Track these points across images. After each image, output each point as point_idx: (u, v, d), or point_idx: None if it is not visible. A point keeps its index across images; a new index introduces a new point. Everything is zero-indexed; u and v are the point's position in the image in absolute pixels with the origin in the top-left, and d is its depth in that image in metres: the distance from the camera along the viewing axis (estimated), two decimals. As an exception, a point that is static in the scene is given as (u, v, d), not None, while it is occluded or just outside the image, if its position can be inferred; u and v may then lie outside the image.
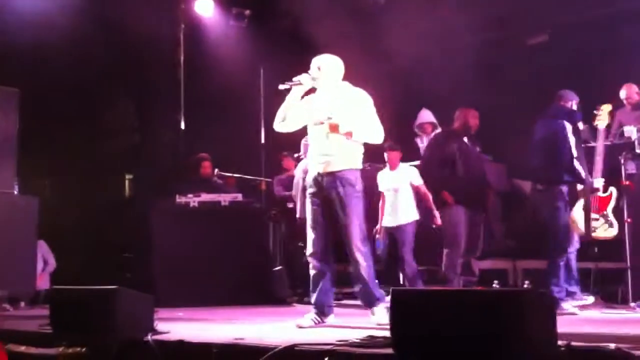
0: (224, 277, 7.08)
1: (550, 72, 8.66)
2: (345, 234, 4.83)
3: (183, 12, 9.64)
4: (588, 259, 6.32)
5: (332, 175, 4.87)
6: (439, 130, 8.05)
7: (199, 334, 4.23)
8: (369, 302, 4.91)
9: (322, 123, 4.91)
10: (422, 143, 8.44)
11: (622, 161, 6.45)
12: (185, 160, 8.94)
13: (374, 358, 3.22)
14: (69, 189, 10.56)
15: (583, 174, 6.02)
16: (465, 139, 6.63)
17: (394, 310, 3.18)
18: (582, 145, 6.16)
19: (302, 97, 5.04)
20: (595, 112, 6.19)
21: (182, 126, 9.63)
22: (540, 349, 2.85)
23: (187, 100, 9.61)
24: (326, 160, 4.89)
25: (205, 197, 7.45)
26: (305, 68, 4.98)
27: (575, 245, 6.14)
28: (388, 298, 3.85)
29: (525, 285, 7.21)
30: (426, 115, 8.13)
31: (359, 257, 4.82)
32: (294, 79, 4.93)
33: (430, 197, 6.92)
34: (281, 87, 4.96)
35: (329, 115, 4.88)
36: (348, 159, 4.90)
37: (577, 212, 6.16)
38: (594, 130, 6.32)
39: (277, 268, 7.73)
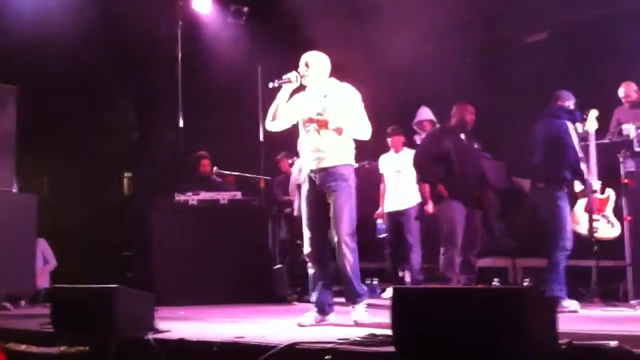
0: (224, 276, 7.08)
1: (550, 71, 8.66)
2: (334, 227, 4.84)
3: (181, 9, 9.61)
4: (588, 257, 6.33)
5: (325, 171, 4.88)
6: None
7: (200, 333, 4.23)
8: (352, 299, 4.91)
9: (311, 121, 4.92)
10: (421, 140, 8.48)
11: (621, 159, 6.46)
12: (184, 159, 8.93)
13: (375, 356, 3.23)
14: (68, 187, 10.55)
15: (586, 174, 6.05)
16: (462, 136, 6.63)
17: (395, 309, 3.18)
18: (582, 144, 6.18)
19: (292, 95, 5.04)
20: (584, 116, 6.22)
21: (181, 124, 9.61)
22: (541, 347, 2.85)
23: (186, 98, 9.59)
24: (318, 157, 4.91)
25: (205, 195, 7.45)
26: (302, 66, 4.97)
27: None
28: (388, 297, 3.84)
29: (525, 284, 7.22)
30: (425, 113, 8.13)
31: (346, 251, 4.81)
32: (283, 77, 4.95)
33: (427, 187, 6.96)
34: (270, 85, 4.97)
35: (318, 111, 4.89)
36: (340, 155, 4.91)
37: (578, 213, 6.18)
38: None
39: (277, 266, 7.73)
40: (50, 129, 10.02)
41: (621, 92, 7.67)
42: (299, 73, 4.96)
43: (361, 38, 7.93)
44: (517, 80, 8.86)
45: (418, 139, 7.81)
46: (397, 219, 7.57)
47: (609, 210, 6.26)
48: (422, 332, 3.07)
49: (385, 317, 3.24)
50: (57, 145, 10.22)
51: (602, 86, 7.81)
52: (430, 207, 7.02)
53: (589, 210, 6.18)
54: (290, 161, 8.26)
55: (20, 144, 7.51)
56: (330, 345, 3.35)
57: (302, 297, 7.09)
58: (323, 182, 4.89)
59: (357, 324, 4.71)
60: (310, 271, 4.98)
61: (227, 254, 7.19)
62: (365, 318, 4.82)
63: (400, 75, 8.79)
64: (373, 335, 3.58)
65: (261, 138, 9.04)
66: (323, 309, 4.89)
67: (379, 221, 7.88)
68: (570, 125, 6.07)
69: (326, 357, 3.26)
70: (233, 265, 7.15)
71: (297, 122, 5.09)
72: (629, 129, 6.94)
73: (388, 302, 3.26)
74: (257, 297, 6.98)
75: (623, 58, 7.98)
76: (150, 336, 3.96)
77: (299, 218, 5.27)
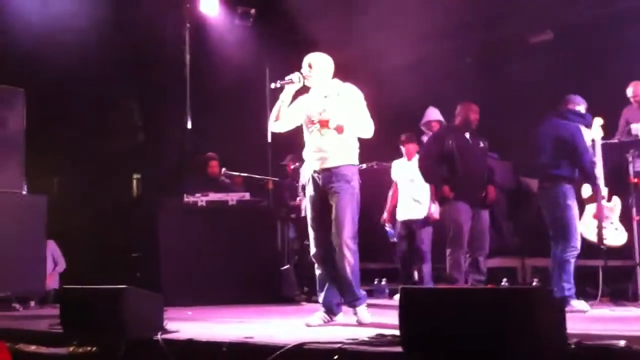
0: (232, 276, 7.09)
1: (556, 70, 8.64)
2: (335, 229, 4.81)
3: (188, 11, 9.64)
4: (597, 257, 6.31)
5: (329, 171, 4.87)
6: (445, 127, 8.06)
7: (208, 333, 4.24)
8: (351, 302, 4.88)
9: (313, 123, 4.92)
10: (430, 141, 8.47)
11: (630, 159, 6.44)
12: (193, 160, 8.95)
13: (383, 356, 3.23)
14: (77, 188, 10.60)
15: (598, 179, 6.07)
16: (467, 135, 6.62)
17: (403, 309, 3.18)
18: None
19: (297, 96, 5.05)
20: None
21: (189, 125, 9.64)
22: (550, 346, 2.84)
23: (193, 100, 9.61)
24: (321, 157, 4.90)
25: (213, 196, 7.47)
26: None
27: None
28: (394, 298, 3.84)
29: (534, 283, 7.20)
30: (433, 113, 8.12)
31: (347, 253, 4.79)
32: (285, 77, 4.95)
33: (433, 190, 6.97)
34: (273, 86, 4.97)
35: (320, 111, 4.89)
36: (343, 155, 4.89)
37: (587, 220, 6.18)
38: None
39: (285, 267, 7.74)
40: (59, 130, 10.06)
41: (630, 91, 7.65)
42: (301, 74, 4.95)
43: (365, 38, 7.93)
44: (524, 80, 8.83)
45: (426, 139, 7.80)
46: (410, 226, 7.56)
47: (615, 217, 6.27)
48: (430, 333, 3.07)
49: (393, 317, 3.24)
50: (66, 146, 10.26)
51: (609, 86, 7.79)
52: (435, 214, 7.05)
53: (598, 217, 6.19)
54: (292, 166, 8.26)
55: (30, 146, 7.54)
56: (338, 346, 3.35)
57: (310, 298, 7.09)
58: (326, 183, 4.88)
59: (361, 324, 4.71)
60: (317, 271, 4.98)
61: (235, 254, 7.20)
62: (368, 318, 4.80)
63: (404, 76, 8.78)
64: (381, 335, 3.58)
65: (269, 139, 9.06)
66: (331, 309, 4.89)
67: (388, 226, 7.86)
68: (583, 129, 6.08)
69: (334, 358, 3.26)
70: (241, 265, 7.16)
71: (302, 125, 5.08)
72: (638, 129, 6.92)
73: (396, 303, 3.26)
74: (265, 298, 6.99)
75: (629, 57, 7.95)
76: (159, 336, 3.97)
77: (306, 219, 5.27)
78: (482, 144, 6.69)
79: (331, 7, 8.23)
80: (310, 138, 4.99)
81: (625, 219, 6.29)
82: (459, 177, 6.46)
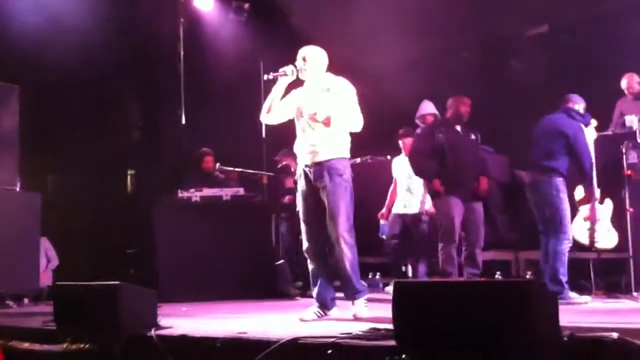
0: (226, 272, 7.08)
1: (552, 65, 8.65)
2: (331, 223, 4.79)
3: (182, 6, 9.61)
4: (590, 250, 6.34)
5: (320, 165, 4.85)
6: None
7: (202, 329, 4.23)
8: (351, 296, 4.87)
9: (302, 116, 4.92)
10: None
11: (624, 151, 6.46)
12: (187, 155, 8.94)
13: (376, 350, 3.22)
14: (71, 185, 10.57)
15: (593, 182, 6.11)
16: (458, 128, 6.62)
17: (396, 303, 3.18)
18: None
19: (290, 90, 5.03)
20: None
21: (183, 121, 9.62)
22: (543, 339, 2.85)
23: (188, 95, 9.59)
24: (312, 151, 4.88)
25: (207, 191, 7.45)
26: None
27: None
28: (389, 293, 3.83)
29: (528, 276, 7.21)
30: (427, 107, 8.11)
31: (344, 247, 4.77)
32: (279, 69, 4.93)
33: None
34: (266, 77, 4.96)
35: (311, 105, 4.88)
36: (335, 148, 4.87)
37: (579, 222, 6.21)
38: None
39: (279, 262, 7.74)
40: (53, 127, 10.03)
41: (624, 83, 7.66)
42: (295, 67, 4.94)
43: (361, 33, 7.93)
44: (519, 73, 8.85)
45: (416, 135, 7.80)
46: (406, 221, 7.56)
47: (607, 219, 6.30)
48: (424, 326, 3.07)
49: (387, 311, 3.24)
50: (60, 143, 10.22)
51: (602, 78, 7.80)
52: (425, 206, 7.10)
53: (591, 219, 6.22)
54: (281, 164, 8.28)
55: (24, 143, 7.52)
56: (332, 340, 3.35)
57: (306, 292, 7.09)
58: (317, 177, 4.86)
59: (356, 319, 4.70)
60: (310, 266, 4.97)
61: (230, 250, 7.19)
62: (365, 313, 4.80)
63: (400, 71, 8.79)
64: (375, 329, 3.58)
65: (263, 134, 9.04)
66: (325, 304, 4.89)
67: (382, 222, 7.86)
68: (585, 129, 6.11)
69: (328, 352, 3.26)
70: (236, 261, 7.15)
71: (294, 119, 5.06)
72: (632, 121, 6.93)
73: (390, 296, 3.26)
74: (260, 293, 6.97)
75: (624, 50, 7.96)
76: (153, 332, 3.96)
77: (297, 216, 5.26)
78: (473, 137, 6.69)
79: (327, 2, 8.22)
80: (301, 132, 4.98)
81: (618, 215, 6.32)
82: (449, 171, 6.46)
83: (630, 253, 6.31)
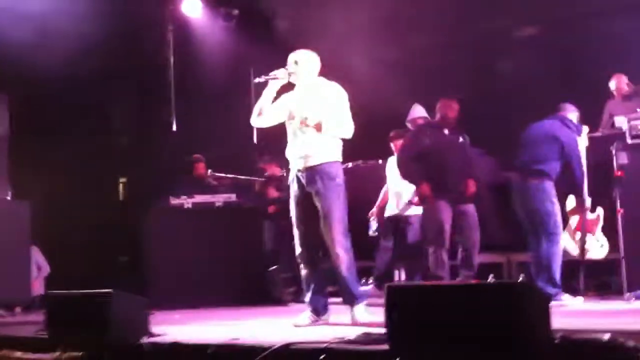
0: (219, 278, 7.08)
1: (542, 66, 8.67)
2: (326, 227, 4.77)
3: (171, 13, 9.61)
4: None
5: (312, 169, 4.82)
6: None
7: (195, 335, 4.22)
8: (349, 301, 4.83)
9: (293, 120, 4.90)
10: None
11: (614, 152, 6.48)
12: (179, 162, 8.93)
13: (370, 355, 3.22)
14: (62, 193, 10.53)
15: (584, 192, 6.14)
16: (446, 131, 6.63)
17: (388, 307, 3.18)
18: None
19: (281, 93, 5.01)
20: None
21: (174, 128, 9.61)
22: (535, 341, 2.85)
23: (178, 102, 9.59)
24: (305, 155, 4.86)
25: (199, 198, 7.45)
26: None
27: None
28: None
29: (520, 279, 7.22)
30: (418, 110, 8.12)
31: (340, 251, 4.74)
32: (270, 73, 4.91)
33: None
34: (257, 80, 4.93)
35: (302, 109, 4.86)
36: (326, 152, 4.85)
37: (570, 233, 6.25)
38: None
39: (272, 268, 7.73)
40: (43, 135, 10.01)
41: (612, 84, 7.69)
42: (287, 70, 4.92)
43: (348, 35, 7.93)
44: (509, 75, 8.87)
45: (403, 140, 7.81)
46: (397, 224, 7.57)
47: (598, 230, 6.33)
48: (416, 330, 3.07)
49: (380, 315, 3.24)
50: (51, 151, 10.20)
51: (593, 79, 7.83)
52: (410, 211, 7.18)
53: (582, 229, 6.25)
54: (268, 171, 8.30)
55: (14, 151, 7.50)
56: (325, 345, 3.35)
57: (299, 298, 7.08)
58: (310, 181, 4.83)
59: (351, 324, 4.68)
60: (303, 272, 4.95)
61: (222, 256, 7.19)
62: (366, 318, 4.71)
63: (389, 73, 8.79)
64: (367, 334, 3.58)
65: (255, 140, 9.05)
66: (317, 310, 4.87)
67: (373, 220, 7.87)
68: (578, 139, 6.14)
69: (321, 357, 3.25)
70: (228, 267, 7.15)
71: (285, 123, 5.05)
72: (621, 122, 6.96)
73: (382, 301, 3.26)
74: (253, 299, 6.97)
75: (613, 51, 8.00)
76: (146, 340, 3.95)
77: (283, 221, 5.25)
78: (461, 139, 6.69)
79: (313, 4, 8.22)
80: (293, 136, 4.96)
81: (609, 216, 6.35)
82: (437, 174, 6.46)
83: (622, 254, 6.33)
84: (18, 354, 4.26)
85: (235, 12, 9.77)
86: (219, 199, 7.50)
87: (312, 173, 4.82)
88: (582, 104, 6.55)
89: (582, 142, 6.30)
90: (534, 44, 9.19)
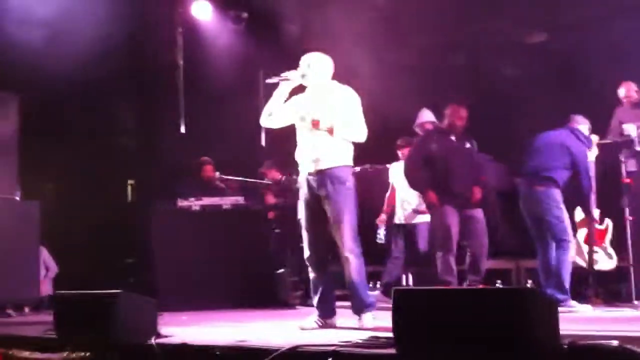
0: (226, 281, 7.09)
1: (550, 71, 8.66)
2: (336, 233, 4.75)
3: (181, 15, 9.65)
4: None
5: (322, 173, 4.79)
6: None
7: (202, 337, 4.23)
8: (358, 309, 4.78)
9: (304, 122, 4.87)
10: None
11: (623, 159, 6.48)
12: (187, 165, 8.95)
13: (377, 358, 3.22)
14: (71, 194, 10.57)
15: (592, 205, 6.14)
16: (453, 137, 6.62)
17: (396, 311, 3.18)
18: None
19: (291, 95, 4.99)
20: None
21: (183, 130, 9.63)
22: (543, 347, 2.85)
23: (187, 104, 9.61)
24: (315, 159, 4.83)
25: (207, 200, 7.47)
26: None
27: None
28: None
29: (528, 285, 7.21)
30: (426, 115, 8.12)
31: (350, 256, 4.72)
32: (282, 74, 4.89)
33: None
34: (269, 81, 4.91)
35: (313, 112, 4.84)
36: (337, 156, 4.82)
37: (578, 245, 6.24)
38: None
39: (279, 271, 7.74)
40: (52, 136, 10.04)
41: (621, 92, 7.67)
42: (299, 72, 4.90)
43: (360, 40, 7.94)
44: (517, 80, 8.86)
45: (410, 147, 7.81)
46: (407, 232, 7.57)
47: (607, 241, 6.32)
48: (424, 334, 3.07)
49: (387, 320, 3.24)
50: (60, 152, 10.23)
51: (601, 85, 7.81)
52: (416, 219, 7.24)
53: (590, 241, 6.24)
54: (269, 176, 8.30)
55: (24, 152, 7.53)
56: (332, 348, 3.35)
57: (306, 301, 7.09)
58: (320, 185, 4.80)
59: (358, 328, 4.66)
60: (311, 275, 4.93)
61: (230, 259, 7.20)
62: (373, 325, 4.66)
63: (398, 77, 8.79)
64: (375, 337, 3.58)
65: (263, 142, 9.06)
66: (325, 313, 4.85)
67: (381, 227, 7.86)
68: (587, 153, 6.15)
69: (328, 360, 3.26)
70: (236, 270, 7.16)
71: (295, 126, 5.02)
72: (630, 129, 6.95)
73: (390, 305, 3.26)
74: (260, 302, 6.98)
75: (621, 57, 7.97)
76: (153, 341, 3.96)
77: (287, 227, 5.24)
78: (468, 145, 6.68)
79: (325, 9, 8.23)
80: (303, 139, 4.93)
81: (617, 225, 6.34)
82: (443, 180, 6.45)
83: (631, 261, 6.31)
84: (26, 353, 4.28)
85: (245, 14, 9.78)
86: (226, 202, 7.51)
87: (323, 177, 4.80)
88: (589, 110, 6.55)
89: (592, 153, 6.29)
90: (543, 50, 9.18)
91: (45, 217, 7.54)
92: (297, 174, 5.05)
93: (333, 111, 4.82)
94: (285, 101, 4.99)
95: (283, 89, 4.93)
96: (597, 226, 6.30)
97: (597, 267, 6.28)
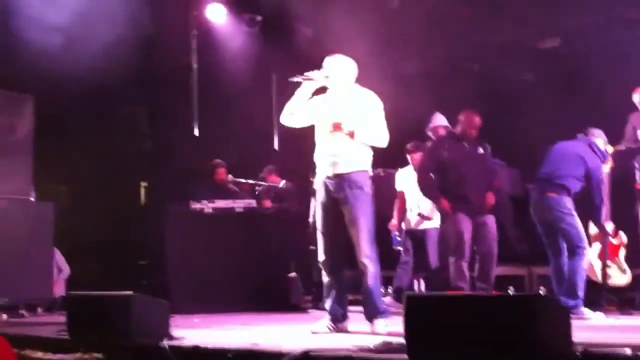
0: (238, 283, 7.10)
1: (563, 77, 8.63)
2: (353, 238, 4.74)
3: (195, 18, 9.69)
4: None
5: (340, 177, 4.77)
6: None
7: (214, 340, 4.24)
8: (372, 315, 4.75)
9: (326, 125, 4.83)
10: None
11: (637, 165, 6.44)
12: (200, 167, 8.98)
13: (389, 364, 3.23)
14: (85, 196, 10.63)
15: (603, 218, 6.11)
16: (466, 144, 6.59)
17: (408, 316, 3.18)
18: None
19: (313, 96, 4.95)
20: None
21: (196, 132, 9.66)
22: (556, 354, 2.84)
23: (201, 107, 9.64)
24: (333, 162, 4.80)
25: (220, 203, 7.49)
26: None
27: None
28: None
29: (540, 292, 7.17)
30: (439, 119, 8.10)
31: (367, 262, 4.70)
32: (305, 73, 4.85)
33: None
34: (292, 79, 4.86)
35: (335, 115, 4.81)
36: (356, 161, 4.80)
37: (592, 260, 6.21)
38: None
39: (291, 274, 7.74)
40: (67, 138, 10.11)
41: (636, 98, 7.62)
42: (323, 73, 4.86)
43: (374, 44, 7.94)
44: (531, 86, 8.84)
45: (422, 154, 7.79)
46: (417, 237, 7.55)
47: (621, 256, 6.29)
48: (436, 340, 3.07)
49: (400, 325, 3.24)
50: (74, 154, 10.30)
51: (616, 91, 7.77)
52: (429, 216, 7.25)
53: (603, 255, 6.21)
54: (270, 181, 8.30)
55: (39, 153, 7.58)
56: (344, 353, 3.35)
57: (318, 305, 7.08)
58: (338, 189, 4.78)
59: (370, 333, 4.64)
60: (325, 279, 4.92)
61: (242, 261, 7.22)
62: (385, 331, 4.59)
63: (411, 81, 8.80)
64: (387, 343, 3.58)
65: (276, 146, 9.07)
66: (337, 318, 4.85)
67: (395, 233, 7.85)
68: (602, 167, 6.13)
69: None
70: (248, 273, 7.17)
71: (314, 127, 4.98)
72: (645, 136, 6.92)
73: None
74: (272, 305, 6.99)
75: (636, 64, 7.93)
76: (165, 343, 3.97)
77: (315, 224, 5.22)
78: (481, 151, 6.63)
79: (339, 12, 8.24)
80: (322, 141, 4.89)
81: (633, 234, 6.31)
82: (455, 186, 6.42)
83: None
84: (39, 354, 4.29)
85: (259, 18, 9.81)
86: (239, 204, 7.53)
87: (341, 181, 4.77)
88: (602, 116, 6.52)
89: (607, 166, 6.26)
90: (556, 56, 9.15)
91: (59, 219, 7.58)
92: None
93: (355, 115, 4.79)
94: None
95: (306, 89, 4.89)
96: (611, 240, 6.27)
97: (610, 282, 6.25)
